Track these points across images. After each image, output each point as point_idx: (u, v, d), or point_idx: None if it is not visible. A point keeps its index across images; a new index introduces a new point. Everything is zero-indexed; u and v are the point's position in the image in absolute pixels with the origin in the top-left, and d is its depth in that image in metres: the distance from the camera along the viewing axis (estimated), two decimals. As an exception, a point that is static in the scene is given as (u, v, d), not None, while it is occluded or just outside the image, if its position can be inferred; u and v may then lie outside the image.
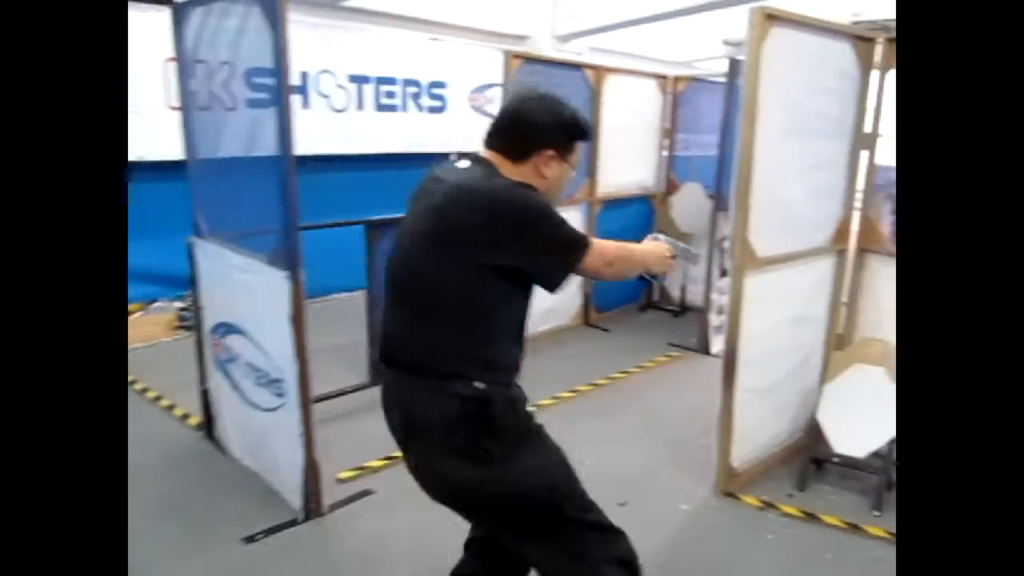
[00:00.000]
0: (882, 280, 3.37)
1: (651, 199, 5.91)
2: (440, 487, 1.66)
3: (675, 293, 6.03)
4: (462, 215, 1.54)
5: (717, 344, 4.94)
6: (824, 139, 3.16)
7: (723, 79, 6.26)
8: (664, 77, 5.68)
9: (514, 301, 1.64)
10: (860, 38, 3.14)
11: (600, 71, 5.03)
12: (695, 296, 5.81)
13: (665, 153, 5.91)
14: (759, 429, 3.21)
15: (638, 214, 5.84)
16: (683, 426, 3.69)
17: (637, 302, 6.07)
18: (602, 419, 3.81)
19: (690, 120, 6.03)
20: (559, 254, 1.60)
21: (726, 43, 8.96)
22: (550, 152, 1.66)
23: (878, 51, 3.20)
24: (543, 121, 1.66)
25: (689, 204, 5.55)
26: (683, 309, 5.87)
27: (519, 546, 1.67)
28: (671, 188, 5.90)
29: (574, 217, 5.21)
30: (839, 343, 3.54)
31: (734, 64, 4.46)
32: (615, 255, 1.69)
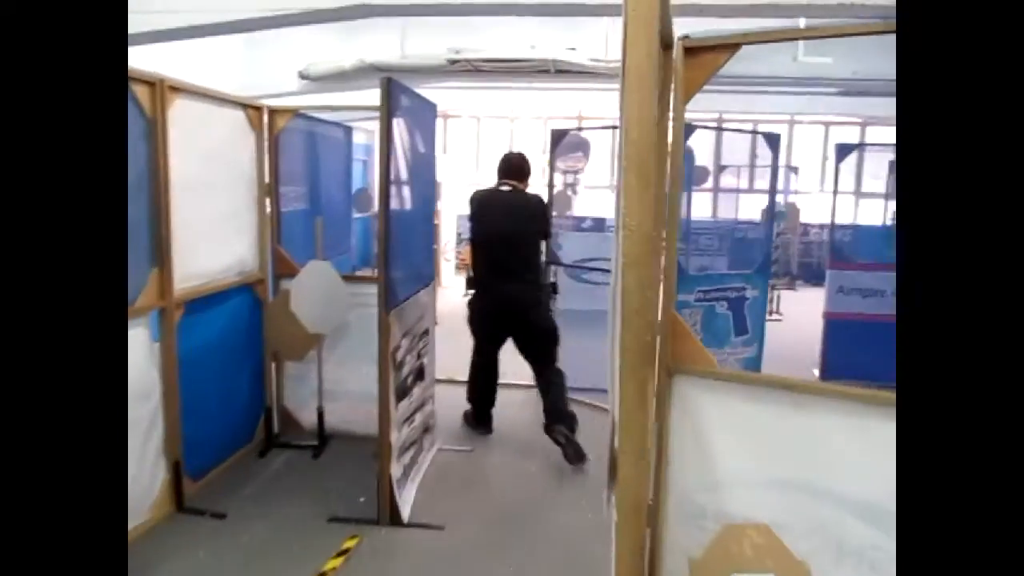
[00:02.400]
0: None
1: (254, 287, 3.98)
2: (528, 326, 4.10)
3: (307, 417, 4.19)
4: (530, 210, 4.05)
5: (408, 503, 3.29)
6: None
7: (329, 116, 4.75)
8: (258, 108, 3.85)
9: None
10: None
11: (162, 89, 2.97)
12: (340, 417, 4.08)
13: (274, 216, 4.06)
14: None
15: (238, 314, 3.84)
16: None
17: (251, 442, 4.04)
18: None
19: (292, 168, 4.34)
20: (549, 223, 4.46)
21: (303, 76, 7.42)
22: (529, 180, 4.24)
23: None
24: (525, 166, 4.19)
25: (316, 292, 3.79)
26: (323, 441, 4.06)
27: (543, 350, 4.19)
28: (284, 268, 4.07)
29: (139, 334, 3.02)
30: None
31: (393, 88, 2.92)
32: None
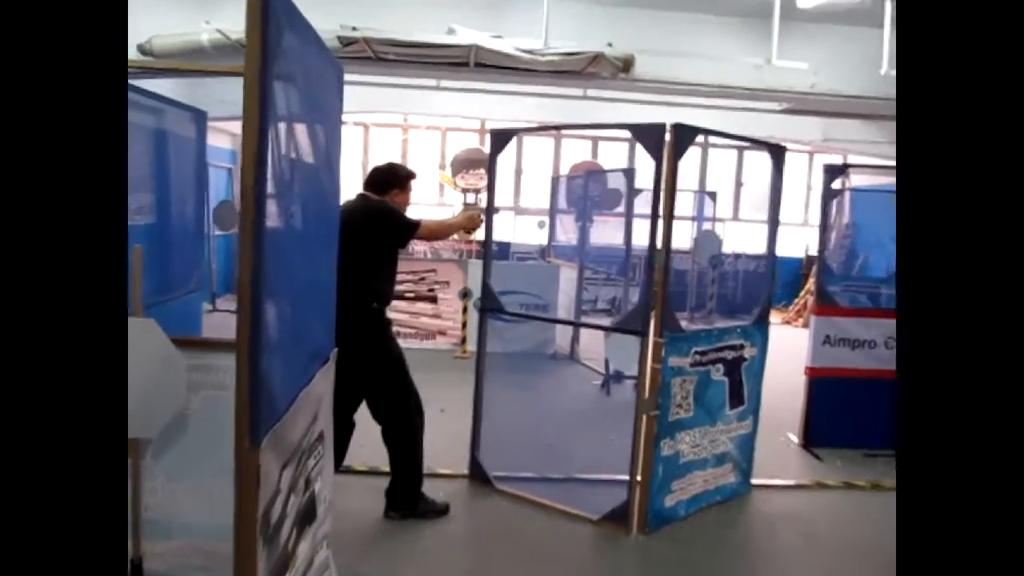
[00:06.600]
0: None
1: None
2: (359, 359, 3.24)
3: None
4: (368, 219, 3.36)
5: None
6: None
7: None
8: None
9: (393, 258, 3.54)
10: None
11: None
12: (173, 564, 2.55)
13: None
14: None
15: None
16: None
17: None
18: None
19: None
20: (407, 228, 3.43)
21: (144, 52, 5.66)
22: (395, 190, 3.53)
23: None
24: (388, 176, 3.57)
25: (132, 370, 2.26)
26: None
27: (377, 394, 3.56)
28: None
29: None
30: None
31: (273, 6, 1.51)
32: (434, 226, 3.72)
